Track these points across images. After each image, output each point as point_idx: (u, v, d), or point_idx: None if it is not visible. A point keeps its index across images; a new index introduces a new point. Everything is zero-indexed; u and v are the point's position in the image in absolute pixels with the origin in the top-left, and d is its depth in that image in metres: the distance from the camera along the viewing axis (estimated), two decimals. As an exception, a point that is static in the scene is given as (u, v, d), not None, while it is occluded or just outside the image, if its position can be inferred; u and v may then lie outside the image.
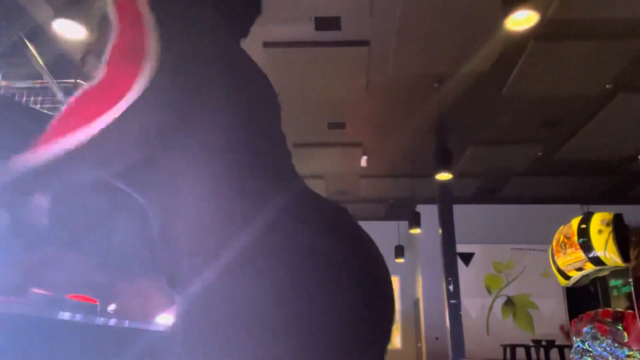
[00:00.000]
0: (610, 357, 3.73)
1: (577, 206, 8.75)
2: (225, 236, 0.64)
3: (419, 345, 10.09)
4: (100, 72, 0.66)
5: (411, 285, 10.76)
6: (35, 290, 0.89)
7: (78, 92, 0.66)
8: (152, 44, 0.66)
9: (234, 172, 0.69)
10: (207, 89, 0.71)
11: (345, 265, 0.64)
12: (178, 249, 0.68)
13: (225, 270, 0.62)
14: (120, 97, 0.63)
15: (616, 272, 4.13)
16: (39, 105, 4.11)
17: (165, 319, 1.46)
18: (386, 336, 0.67)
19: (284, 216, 0.66)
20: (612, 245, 3.88)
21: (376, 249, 0.71)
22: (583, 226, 4.14)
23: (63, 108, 0.67)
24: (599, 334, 3.89)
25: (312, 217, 0.68)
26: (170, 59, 0.67)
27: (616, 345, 3.70)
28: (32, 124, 1.44)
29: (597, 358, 3.87)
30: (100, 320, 1.13)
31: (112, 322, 1.27)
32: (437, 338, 7.53)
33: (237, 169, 0.69)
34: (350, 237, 0.69)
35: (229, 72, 0.76)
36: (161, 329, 1.44)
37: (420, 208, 8.95)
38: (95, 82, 0.65)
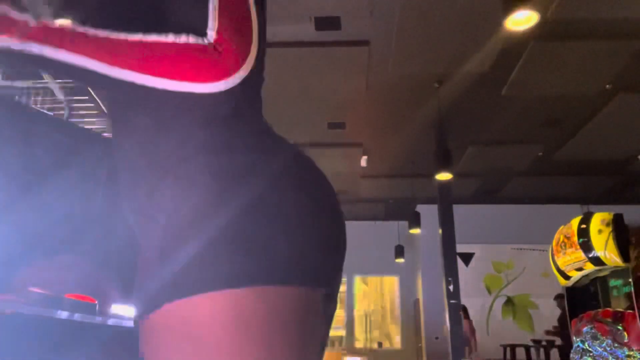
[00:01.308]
0: (610, 357, 3.73)
1: (577, 206, 8.76)
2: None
3: (419, 345, 10.09)
4: (211, 34, 0.60)
5: (411, 285, 10.76)
6: (34, 289, 0.89)
7: (180, 40, 0.59)
8: (255, 31, 0.64)
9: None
10: None
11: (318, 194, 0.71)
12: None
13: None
14: (227, 74, 0.59)
15: (616, 272, 4.13)
16: (39, 105, 4.12)
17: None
18: (341, 269, 0.72)
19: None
20: (612, 245, 3.88)
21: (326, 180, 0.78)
22: (583, 226, 4.14)
23: (150, 40, 0.59)
24: (599, 334, 3.89)
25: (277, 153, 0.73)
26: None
27: (616, 345, 3.70)
28: (32, 124, 1.44)
29: (597, 358, 3.87)
30: (99, 319, 1.13)
31: (111, 321, 1.27)
32: (437, 338, 7.54)
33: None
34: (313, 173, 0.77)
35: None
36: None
37: (420, 208, 8.95)
38: (199, 42, 0.59)
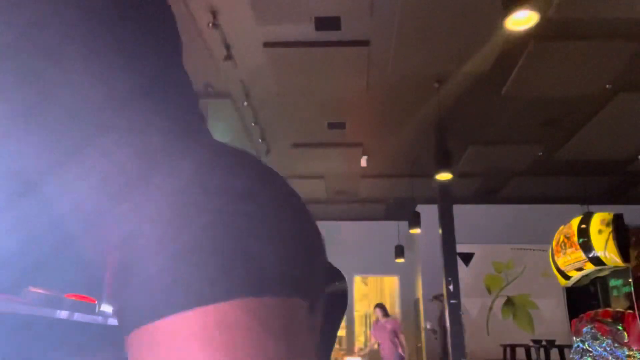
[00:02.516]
0: (610, 357, 3.73)
1: (577, 206, 8.75)
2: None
3: (419, 345, 10.09)
4: None
5: (411, 285, 10.76)
6: (33, 289, 0.89)
7: None
8: None
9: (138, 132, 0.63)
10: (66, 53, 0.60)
11: (282, 201, 0.65)
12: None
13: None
14: None
15: (616, 272, 4.13)
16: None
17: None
18: (324, 269, 0.68)
19: (206, 166, 0.64)
20: (612, 245, 3.88)
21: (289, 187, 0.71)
22: (583, 226, 4.14)
23: None
24: (599, 334, 3.89)
25: (237, 166, 0.66)
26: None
27: (616, 345, 3.70)
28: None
29: (597, 358, 3.87)
30: (99, 319, 1.13)
31: (112, 321, 1.27)
32: (437, 338, 7.54)
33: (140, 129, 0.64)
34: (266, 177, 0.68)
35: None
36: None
37: (420, 208, 8.95)
38: None
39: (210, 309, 0.54)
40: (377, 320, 6.81)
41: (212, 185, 0.62)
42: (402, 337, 6.59)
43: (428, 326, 7.87)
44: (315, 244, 0.67)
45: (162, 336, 0.55)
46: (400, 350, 6.47)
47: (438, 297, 7.42)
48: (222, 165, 0.65)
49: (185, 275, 0.56)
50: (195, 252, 0.57)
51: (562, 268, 4.44)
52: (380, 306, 6.86)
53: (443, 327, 7.09)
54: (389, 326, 6.62)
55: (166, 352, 0.55)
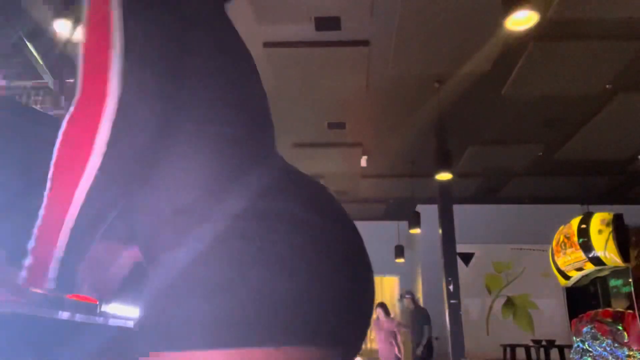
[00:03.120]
0: (610, 357, 3.73)
1: (577, 206, 8.75)
2: (212, 198, 0.62)
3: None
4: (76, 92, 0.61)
5: (411, 285, 10.76)
6: (33, 289, 0.89)
7: (65, 121, 0.61)
8: (116, 42, 0.60)
9: (222, 145, 0.66)
10: (192, 64, 0.67)
11: (334, 241, 0.62)
12: (157, 214, 0.66)
13: (212, 230, 0.59)
14: (100, 117, 0.58)
15: (616, 272, 4.13)
16: (39, 105, 4.11)
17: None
18: (369, 316, 0.65)
19: (272, 188, 0.64)
20: (612, 245, 3.88)
21: (357, 232, 0.69)
22: (583, 226, 4.14)
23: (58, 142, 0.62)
24: (599, 334, 3.89)
25: (300, 191, 0.66)
26: (147, 45, 0.62)
27: (616, 345, 3.70)
28: (32, 124, 1.44)
29: (597, 358, 3.87)
30: (100, 319, 1.13)
31: (113, 321, 1.27)
32: (437, 338, 7.54)
33: (225, 142, 0.67)
34: (337, 215, 0.67)
35: (213, 40, 0.71)
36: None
37: (420, 208, 8.95)
38: (73, 105, 0.61)
39: (235, 353, 0.53)
40: (377, 319, 6.79)
41: (268, 211, 0.60)
42: (399, 338, 6.58)
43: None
44: (363, 289, 0.63)
45: None
46: (396, 351, 6.46)
47: (404, 295, 7.37)
48: (286, 190, 0.64)
49: (219, 314, 0.54)
50: (234, 291, 0.55)
51: (562, 268, 4.44)
52: (382, 306, 6.83)
53: (413, 325, 7.06)
54: (387, 326, 6.61)
55: None
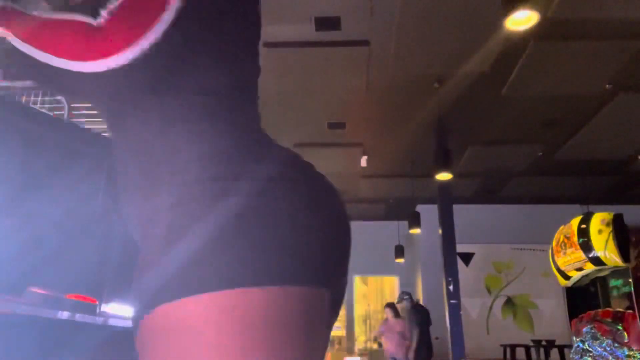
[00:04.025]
0: (610, 357, 3.73)
1: (577, 206, 8.75)
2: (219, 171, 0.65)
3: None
4: (103, 14, 0.61)
5: (411, 285, 10.76)
6: (34, 289, 0.89)
7: (75, 18, 0.61)
8: (164, 15, 0.63)
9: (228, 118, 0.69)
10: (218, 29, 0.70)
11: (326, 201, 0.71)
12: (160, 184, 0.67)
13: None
14: (105, 54, 0.60)
15: (616, 272, 4.13)
16: (38, 105, 4.11)
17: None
18: (346, 273, 0.72)
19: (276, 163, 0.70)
20: (612, 245, 3.88)
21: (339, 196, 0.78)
22: (583, 226, 4.14)
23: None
24: (599, 334, 3.89)
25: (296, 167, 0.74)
26: None
27: (616, 345, 3.70)
28: (32, 124, 1.44)
29: (597, 358, 3.87)
30: (100, 319, 1.13)
31: (112, 321, 1.27)
32: (437, 338, 7.53)
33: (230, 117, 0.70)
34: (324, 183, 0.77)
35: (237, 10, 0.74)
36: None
37: (420, 208, 8.95)
38: (94, 22, 0.61)
39: (229, 293, 0.56)
40: (386, 320, 6.72)
41: (239, 179, 0.64)
42: (405, 342, 6.56)
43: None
44: (346, 245, 0.70)
45: (180, 316, 0.56)
46: (408, 352, 6.44)
47: (403, 298, 7.28)
48: (279, 162, 0.69)
49: (211, 259, 0.57)
50: (230, 237, 0.59)
51: (562, 268, 4.44)
52: (391, 306, 6.75)
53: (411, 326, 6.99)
54: (398, 327, 6.56)
55: (180, 333, 0.56)
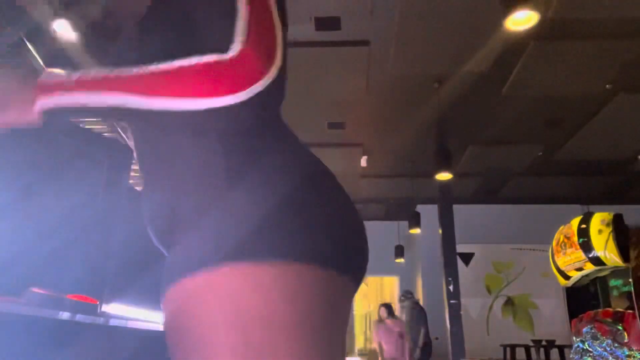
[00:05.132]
0: (610, 357, 3.73)
1: (577, 206, 8.75)
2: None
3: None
4: (235, 47, 0.63)
5: (411, 285, 10.76)
6: (34, 289, 0.89)
7: (203, 60, 0.63)
8: (279, 40, 0.71)
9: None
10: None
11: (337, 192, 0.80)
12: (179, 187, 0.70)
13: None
14: (248, 84, 0.62)
15: (616, 272, 4.13)
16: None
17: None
18: (364, 266, 0.77)
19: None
20: (612, 245, 3.88)
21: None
22: (583, 226, 4.14)
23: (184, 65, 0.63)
24: (599, 334, 3.89)
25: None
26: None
27: (616, 345, 3.70)
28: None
29: (597, 358, 3.87)
30: (101, 320, 1.13)
31: (113, 322, 1.27)
32: (437, 338, 7.54)
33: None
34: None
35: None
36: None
37: (420, 208, 8.95)
38: (227, 56, 0.63)
39: (245, 265, 0.60)
40: (380, 320, 6.54)
41: (272, 177, 0.68)
42: (406, 339, 6.47)
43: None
44: (362, 239, 0.77)
45: (205, 287, 0.60)
46: (404, 352, 6.34)
47: (407, 296, 7.23)
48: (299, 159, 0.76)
49: (235, 233, 0.62)
50: (261, 216, 0.63)
51: (562, 268, 4.44)
52: (387, 306, 6.59)
53: (412, 326, 6.92)
54: (397, 328, 6.42)
55: (203, 301, 0.59)
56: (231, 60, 0.62)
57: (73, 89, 0.65)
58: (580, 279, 4.41)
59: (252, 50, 0.64)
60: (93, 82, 0.65)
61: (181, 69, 0.63)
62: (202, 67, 0.62)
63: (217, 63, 0.62)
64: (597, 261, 4.02)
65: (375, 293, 12.68)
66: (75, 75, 0.66)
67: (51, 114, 0.66)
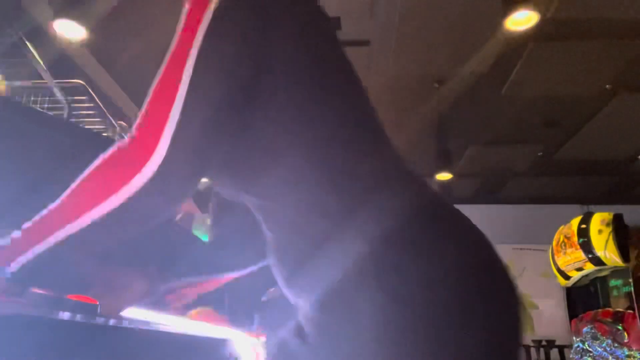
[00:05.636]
0: (610, 357, 3.73)
1: (577, 206, 8.74)
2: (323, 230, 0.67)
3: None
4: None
5: (411, 285, 10.77)
6: (35, 290, 0.89)
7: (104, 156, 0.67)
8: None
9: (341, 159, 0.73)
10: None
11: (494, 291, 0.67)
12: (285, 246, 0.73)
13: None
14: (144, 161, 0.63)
15: (616, 272, 4.14)
16: (38, 105, 4.11)
17: (165, 319, 1.46)
18: None
19: (413, 221, 0.66)
20: (612, 245, 3.89)
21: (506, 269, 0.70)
22: (583, 226, 4.15)
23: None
24: (599, 334, 3.89)
25: (451, 227, 0.68)
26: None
27: (616, 345, 3.70)
28: (32, 124, 1.44)
29: (597, 358, 3.87)
30: (101, 320, 1.13)
31: (113, 322, 1.27)
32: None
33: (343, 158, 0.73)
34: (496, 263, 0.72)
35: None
36: (164, 328, 1.44)
37: (420, 208, 8.93)
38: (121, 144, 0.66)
39: None
40: None
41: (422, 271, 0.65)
42: None
43: None
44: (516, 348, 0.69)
45: None
46: None
47: None
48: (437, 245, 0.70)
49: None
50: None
51: (562, 268, 4.44)
52: None
53: None
54: None
55: None
56: (125, 146, 0.66)
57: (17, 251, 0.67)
58: (580, 279, 4.42)
59: (139, 131, 0.65)
60: (22, 239, 0.66)
61: (89, 176, 0.67)
62: (102, 164, 0.67)
63: (119, 151, 0.66)
64: (597, 261, 4.03)
65: (375, 293, 12.68)
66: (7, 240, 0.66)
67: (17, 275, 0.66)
